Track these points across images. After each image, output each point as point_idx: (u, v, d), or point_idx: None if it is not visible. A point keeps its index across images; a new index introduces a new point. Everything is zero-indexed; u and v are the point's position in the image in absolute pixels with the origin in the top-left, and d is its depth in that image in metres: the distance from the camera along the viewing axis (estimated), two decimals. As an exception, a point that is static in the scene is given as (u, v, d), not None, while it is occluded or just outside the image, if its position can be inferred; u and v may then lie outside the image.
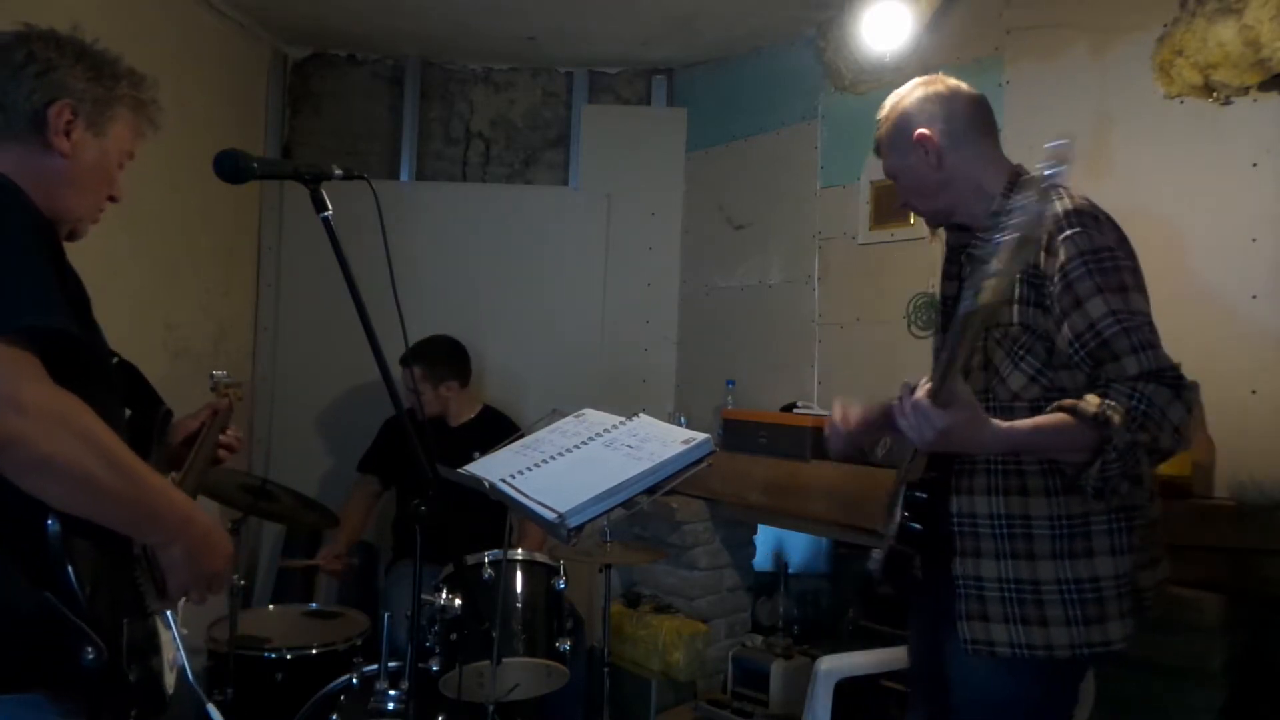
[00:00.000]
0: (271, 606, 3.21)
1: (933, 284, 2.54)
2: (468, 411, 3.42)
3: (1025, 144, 2.68)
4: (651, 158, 4.06)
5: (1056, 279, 1.48)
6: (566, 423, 1.99)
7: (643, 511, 3.10)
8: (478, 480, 1.80)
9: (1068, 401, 1.40)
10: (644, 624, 3.42)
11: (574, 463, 1.79)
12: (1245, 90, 2.38)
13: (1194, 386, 1.41)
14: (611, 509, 1.63)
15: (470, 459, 1.95)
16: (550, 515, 1.59)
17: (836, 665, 2.63)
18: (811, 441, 3.04)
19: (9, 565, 1.14)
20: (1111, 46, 2.66)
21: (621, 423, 1.89)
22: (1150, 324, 1.46)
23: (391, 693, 2.29)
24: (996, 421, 1.39)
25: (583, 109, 4.08)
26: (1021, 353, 1.54)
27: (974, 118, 1.69)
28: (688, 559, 3.52)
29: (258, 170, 1.56)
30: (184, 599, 1.37)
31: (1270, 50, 2.26)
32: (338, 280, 1.59)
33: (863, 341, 3.35)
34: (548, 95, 4.14)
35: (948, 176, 1.67)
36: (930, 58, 3.06)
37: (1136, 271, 1.51)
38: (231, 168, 1.54)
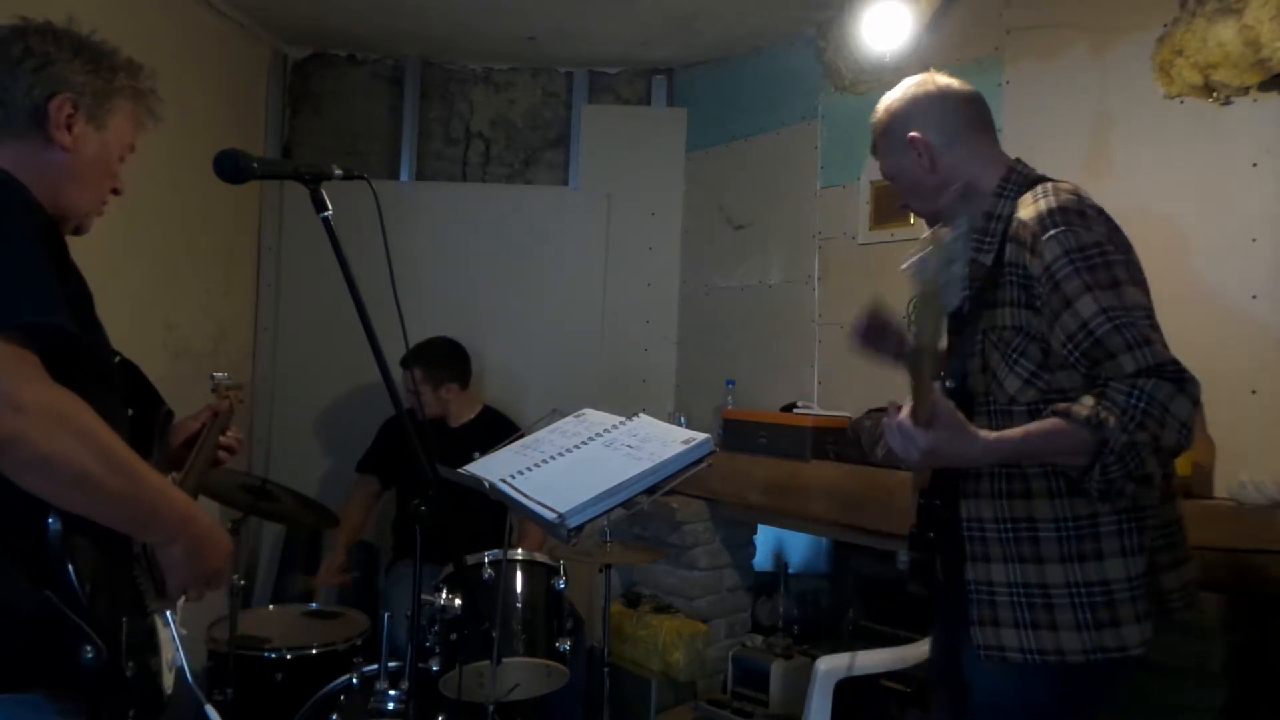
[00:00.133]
0: (271, 606, 3.21)
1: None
2: (468, 412, 3.43)
3: (1025, 144, 2.68)
4: (651, 158, 4.06)
5: (1044, 280, 1.46)
6: (566, 423, 1.99)
7: (643, 511, 3.11)
8: (478, 480, 1.80)
9: (1061, 405, 1.38)
10: (644, 624, 3.42)
11: (574, 463, 1.79)
12: (1245, 90, 2.38)
13: (1195, 381, 1.37)
14: (611, 509, 1.63)
15: (470, 459, 1.95)
16: (550, 515, 1.59)
17: (836, 665, 2.63)
18: (811, 441, 3.04)
19: (9, 564, 1.14)
20: (1111, 46, 2.66)
21: (621, 423, 1.89)
22: (1148, 317, 1.42)
23: (391, 693, 2.29)
24: (984, 433, 1.38)
25: (583, 109, 4.08)
26: (1015, 355, 1.52)
27: (967, 116, 1.67)
28: (688, 559, 3.52)
29: (258, 170, 1.56)
30: (183, 598, 1.37)
31: (1270, 50, 2.26)
32: (338, 280, 1.59)
33: (863, 341, 3.34)
34: (548, 95, 4.14)
35: (943, 178, 1.65)
36: (930, 58, 3.06)
37: (1130, 264, 1.48)
38: (231, 168, 1.54)
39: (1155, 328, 1.42)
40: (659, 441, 1.75)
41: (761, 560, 3.73)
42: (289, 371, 3.87)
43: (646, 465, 1.66)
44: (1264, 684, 2.12)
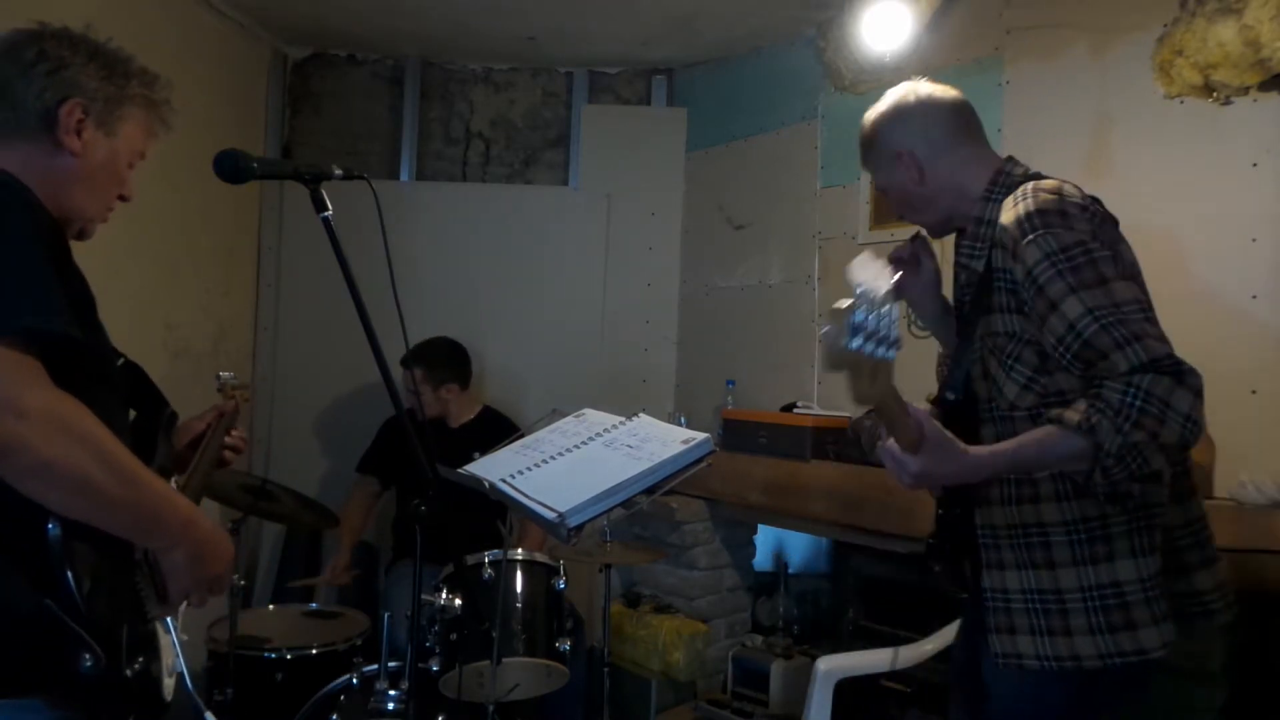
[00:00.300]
0: (271, 606, 3.21)
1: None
2: (467, 412, 3.43)
3: (1025, 144, 2.68)
4: (651, 158, 4.06)
5: (1028, 285, 1.44)
6: (566, 423, 1.99)
7: (643, 511, 3.11)
8: (478, 480, 1.80)
9: (1054, 411, 1.36)
10: (644, 624, 3.42)
11: (574, 463, 1.79)
12: (1245, 90, 2.38)
13: (1196, 372, 1.33)
14: (611, 509, 1.63)
15: (470, 459, 1.95)
16: (550, 515, 1.59)
17: (836, 665, 2.63)
18: (811, 441, 3.04)
19: (8, 570, 1.13)
20: (1111, 46, 2.66)
21: (621, 423, 1.89)
22: (1141, 310, 1.38)
23: (391, 693, 2.29)
24: (975, 449, 1.36)
25: (583, 109, 4.08)
26: (1010, 361, 1.50)
27: (951, 124, 1.64)
28: (688, 559, 3.52)
29: (258, 170, 1.56)
30: (185, 603, 1.36)
31: (1270, 50, 2.26)
32: (338, 280, 1.59)
33: (863, 341, 3.34)
34: (548, 95, 4.14)
35: (933, 190, 1.64)
36: (930, 58, 3.06)
37: (1117, 259, 1.44)
38: (231, 168, 1.54)
39: (1150, 320, 1.38)
40: (659, 441, 1.75)
41: (761, 560, 3.73)
42: (289, 371, 3.87)
43: (646, 465, 1.66)
44: (1264, 684, 2.12)
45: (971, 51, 3.01)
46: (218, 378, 1.90)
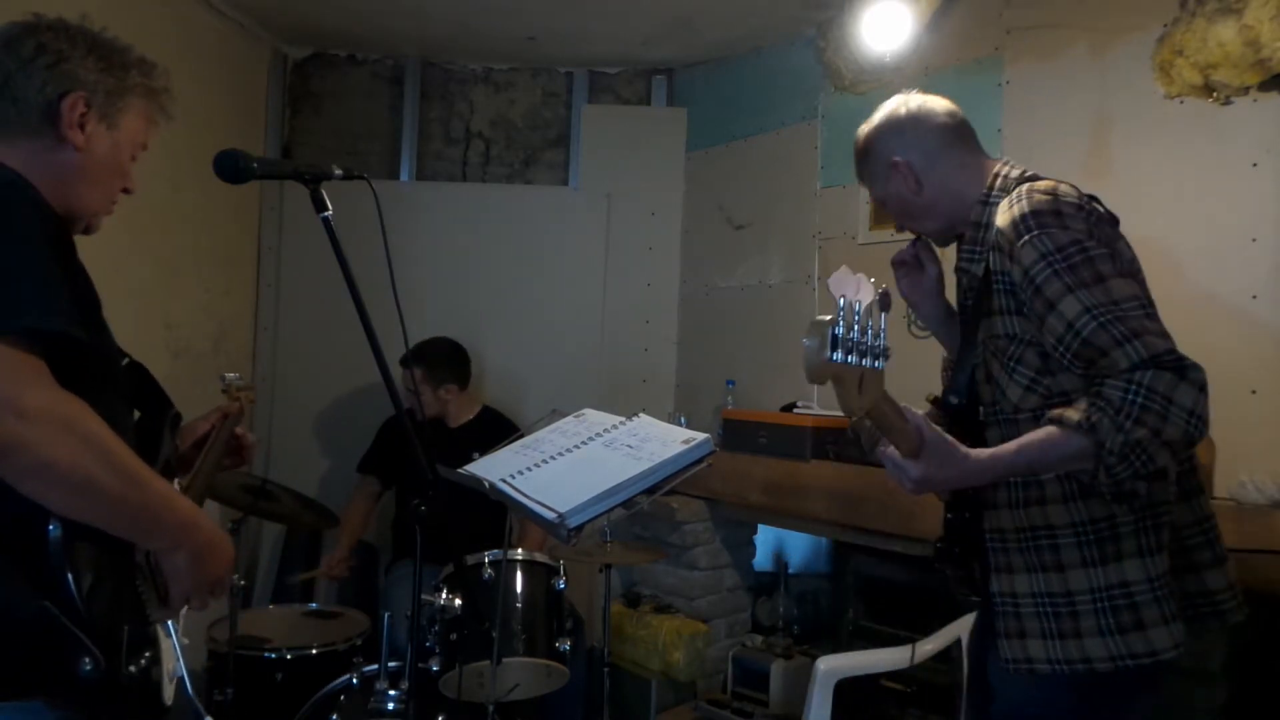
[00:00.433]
0: (271, 606, 3.21)
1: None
2: (467, 413, 3.43)
3: (1025, 144, 2.68)
4: (651, 158, 4.06)
5: (1026, 286, 1.44)
6: (566, 423, 1.99)
7: (643, 511, 3.11)
8: (478, 480, 1.80)
9: (1055, 411, 1.36)
10: (644, 624, 3.42)
11: (574, 463, 1.79)
12: (1245, 90, 2.38)
13: (1199, 367, 1.32)
14: (611, 509, 1.63)
15: (470, 460, 1.95)
16: (550, 515, 1.59)
17: (836, 665, 2.63)
18: (811, 441, 3.04)
19: (9, 571, 1.12)
20: (1111, 46, 2.66)
21: (621, 423, 1.89)
22: (1141, 306, 1.37)
23: (391, 693, 2.29)
24: (977, 452, 1.36)
25: (583, 109, 4.08)
26: (1012, 364, 1.50)
27: (944, 133, 1.64)
28: (688, 559, 3.52)
29: (258, 170, 1.55)
30: (186, 606, 1.35)
31: (1270, 50, 2.26)
32: (338, 280, 1.59)
33: (863, 341, 3.34)
34: (548, 95, 4.14)
35: (931, 198, 1.64)
36: (930, 58, 3.06)
37: (1115, 257, 1.44)
38: (231, 168, 1.54)
39: (1150, 316, 1.37)
40: (659, 441, 1.75)
41: (761, 560, 3.73)
42: (289, 371, 3.87)
43: (646, 465, 1.66)
44: (1264, 684, 2.12)
45: (971, 51, 3.01)
46: (222, 378, 1.88)
